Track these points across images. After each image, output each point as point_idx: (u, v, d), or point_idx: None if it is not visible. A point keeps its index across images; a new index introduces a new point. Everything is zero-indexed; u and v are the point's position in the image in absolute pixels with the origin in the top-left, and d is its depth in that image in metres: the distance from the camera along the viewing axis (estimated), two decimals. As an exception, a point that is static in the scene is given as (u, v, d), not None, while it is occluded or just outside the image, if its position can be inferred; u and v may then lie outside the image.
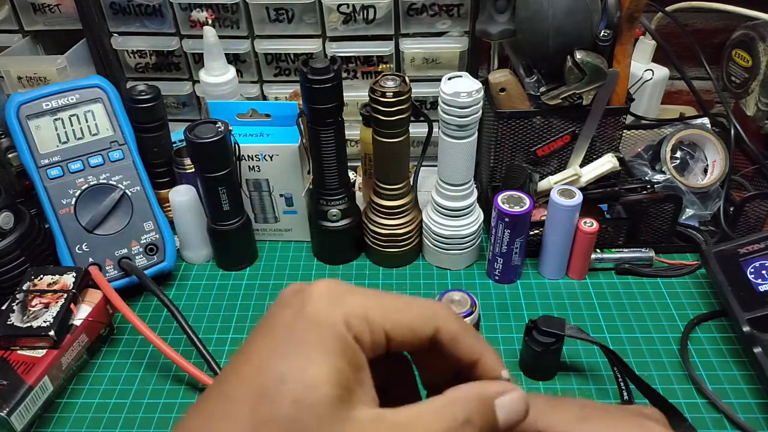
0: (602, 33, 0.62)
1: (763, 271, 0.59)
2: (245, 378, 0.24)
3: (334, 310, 0.25)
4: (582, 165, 0.69)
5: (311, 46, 0.79)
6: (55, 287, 0.58)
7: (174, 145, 0.74)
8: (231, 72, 0.75)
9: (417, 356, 0.30)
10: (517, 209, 0.61)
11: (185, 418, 0.25)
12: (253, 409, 0.23)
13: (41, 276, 0.59)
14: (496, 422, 0.26)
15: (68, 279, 0.59)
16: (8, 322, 0.55)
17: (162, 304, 0.60)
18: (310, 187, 0.70)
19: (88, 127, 0.65)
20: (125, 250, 0.65)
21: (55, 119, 0.64)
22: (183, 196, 0.67)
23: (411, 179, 0.69)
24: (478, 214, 0.69)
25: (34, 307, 0.56)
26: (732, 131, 0.71)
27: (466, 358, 0.28)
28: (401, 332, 0.27)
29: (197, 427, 0.24)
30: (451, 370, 0.29)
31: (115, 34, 0.81)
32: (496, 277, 0.68)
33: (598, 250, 0.68)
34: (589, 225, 0.64)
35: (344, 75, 0.81)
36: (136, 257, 0.65)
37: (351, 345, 0.25)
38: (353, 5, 0.75)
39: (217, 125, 0.61)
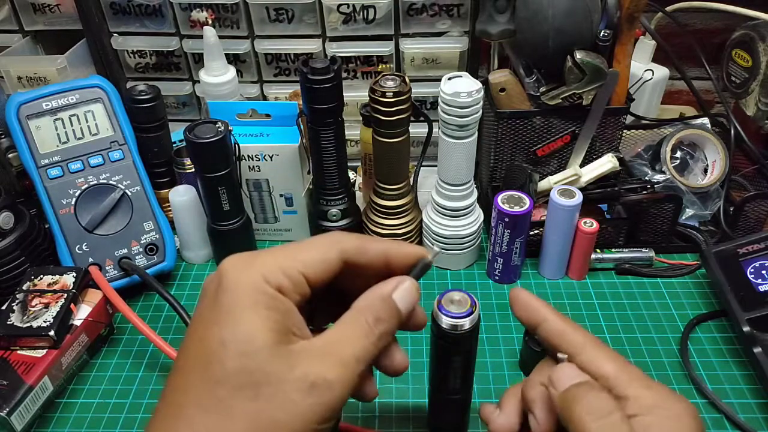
0: (602, 33, 0.62)
1: (763, 271, 0.59)
2: (192, 354, 0.28)
3: (248, 271, 0.29)
4: (582, 165, 0.69)
5: (311, 46, 0.79)
6: (55, 287, 0.58)
7: (174, 145, 0.74)
8: (231, 72, 0.75)
9: (347, 284, 0.34)
10: (517, 209, 0.61)
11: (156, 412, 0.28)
12: (203, 375, 0.26)
13: (41, 276, 0.59)
14: (399, 311, 0.32)
15: (68, 279, 0.59)
16: (8, 322, 0.55)
17: (166, 302, 0.60)
18: (310, 187, 0.70)
19: (88, 127, 0.65)
20: (125, 250, 0.65)
21: (55, 119, 0.64)
22: (183, 196, 0.67)
23: (411, 179, 0.69)
24: (478, 214, 0.69)
25: (34, 307, 0.56)
26: (732, 131, 0.71)
27: (377, 260, 0.33)
28: (314, 266, 0.30)
29: (169, 415, 0.27)
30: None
31: (115, 34, 0.81)
32: (496, 277, 0.68)
33: (598, 250, 0.68)
34: (589, 225, 0.64)
35: (344, 75, 0.81)
36: (136, 257, 0.65)
37: (274, 295, 0.28)
38: (353, 5, 0.75)
39: (217, 125, 0.61)
